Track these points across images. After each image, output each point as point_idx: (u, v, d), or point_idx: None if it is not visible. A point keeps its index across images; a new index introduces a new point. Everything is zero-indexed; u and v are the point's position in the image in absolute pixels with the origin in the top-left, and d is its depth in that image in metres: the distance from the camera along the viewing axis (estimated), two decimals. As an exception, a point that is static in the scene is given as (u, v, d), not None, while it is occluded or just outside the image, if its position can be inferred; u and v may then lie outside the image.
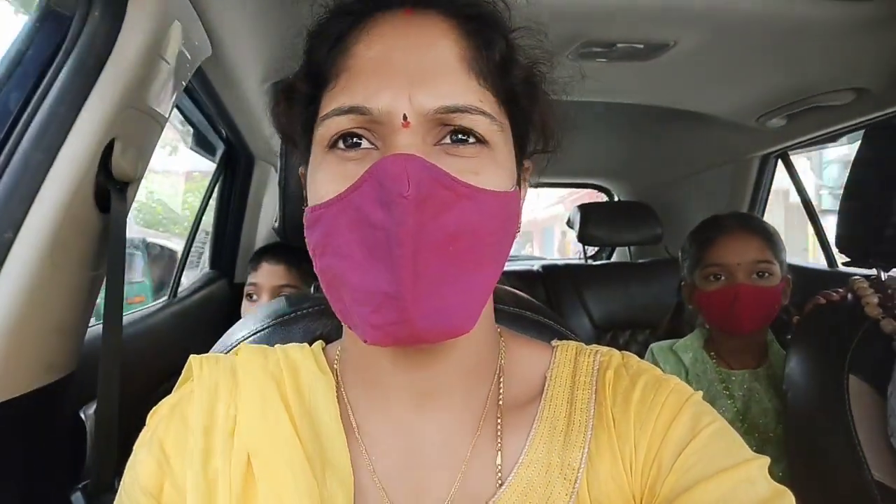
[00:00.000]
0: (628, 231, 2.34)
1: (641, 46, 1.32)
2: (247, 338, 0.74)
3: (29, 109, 0.72)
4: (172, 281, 1.72)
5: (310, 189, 0.49)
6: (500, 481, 0.50)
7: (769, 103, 1.70)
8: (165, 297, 1.70)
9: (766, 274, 1.31)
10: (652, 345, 1.53)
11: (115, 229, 0.82)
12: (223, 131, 1.67)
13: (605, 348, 0.58)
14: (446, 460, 0.52)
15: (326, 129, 0.46)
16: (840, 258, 1.51)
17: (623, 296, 2.23)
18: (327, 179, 0.46)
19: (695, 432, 0.48)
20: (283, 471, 0.49)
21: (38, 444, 0.82)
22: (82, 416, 1.02)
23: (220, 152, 1.81)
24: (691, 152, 2.35)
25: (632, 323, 2.21)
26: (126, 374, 0.89)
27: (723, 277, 1.33)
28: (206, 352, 0.59)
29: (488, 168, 0.47)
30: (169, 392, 0.55)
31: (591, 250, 2.83)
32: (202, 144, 1.71)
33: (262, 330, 0.76)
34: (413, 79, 0.45)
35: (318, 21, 0.52)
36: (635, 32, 1.27)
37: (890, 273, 1.15)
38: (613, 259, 3.08)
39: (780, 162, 2.16)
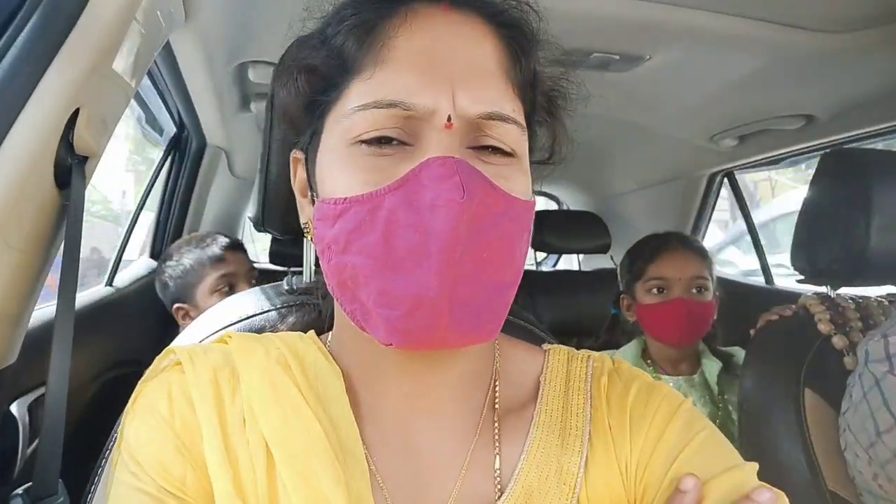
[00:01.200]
0: (578, 239, 2.38)
1: (618, 56, 1.34)
2: (230, 325, 0.70)
3: (-15, 67, 0.64)
4: (110, 269, 1.60)
5: (324, 180, 0.47)
6: (499, 487, 0.50)
7: (724, 123, 1.78)
8: (102, 284, 1.58)
9: (703, 289, 1.42)
10: (598, 353, 1.57)
11: (73, 208, 0.74)
12: (175, 112, 1.57)
13: (595, 354, 0.59)
14: (445, 464, 0.51)
15: (356, 122, 0.45)
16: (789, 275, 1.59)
17: (571, 303, 2.27)
18: (354, 173, 0.44)
19: (687, 439, 0.50)
20: (308, 459, 0.47)
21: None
22: (14, 411, 0.93)
23: (167, 134, 1.70)
24: (642, 166, 2.43)
25: (579, 330, 2.25)
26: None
27: (663, 291, 1.42)
28: (153, 343, 0.54)
29: (516, 176, 0.47)
30: (113, 386, 0.51)
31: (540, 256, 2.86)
32: (150, 123, 1.60)
33: (243, 320, 0.72)
34: (456, 79, 0.44)
35: (348, 2, 0.49)
36: (614, 43, 1.29)
37: (838, 291, 1.21)
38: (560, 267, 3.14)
39: (726, 180, 2.25)
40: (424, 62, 0.44)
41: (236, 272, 1.46)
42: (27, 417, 0.93)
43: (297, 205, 0.56)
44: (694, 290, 1.41)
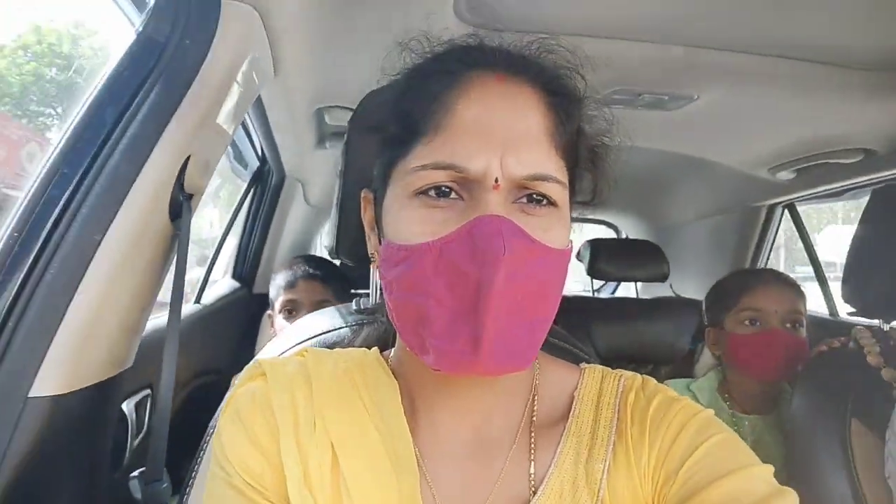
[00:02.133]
0: (636, 268, 2.40)
1: (666, 97, 1.40)
2: (303, 342, 0.80)
3: (121, 125, 0.78)
4: (198, 288, 1.78)
5: (391, 225, 0.54)
6: (533, 488, 0.56)
7: (780, 156, 1.79)
8: (191, 303, 1.75)
9: (798, 325, 1.37)
10: (669, 381, 1.58)
11: (182, 237, 0.88)
12: (259, 148, 1.74)
13: (628, 373, 0.63)
14: (486, 469, 0.57)
15: (418, 179, 0.51)
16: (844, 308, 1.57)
17: (628, 331, 2.27)
18: (414, 222, 0.51)
19: (700, 441, 0.53)
20: (367, 461, 0.54)
21: (95, 434, 0.87)
22: (125, 409, 1.08)
23: (251, 167, 1.88)
24: (700, 197, 2.43)
25: (635, 357, 2.26)
26: (158, 373, 0.94)
27: (758, 323, 1.38)
28: (232, 356, 0.63)
29: (556, 226, 0.52)
30: (198, 392, 0.60)
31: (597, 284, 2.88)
32: (237, 159, 1.79)
33: (318, 336, 0.82)
34: (506, 145, 0.50)
35: (415, 69, 0.58)
36: (661, 85, 1.35)
37: (892, 325, 1.22)
38: (619, 294, 3.14)
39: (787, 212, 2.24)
40: (478, 130, 0.50)
41: (299, 300, 1.58)
42: (134, 415, 1.08)
43: (366, 236, 0.63)
44: (788, 325, 1.37)
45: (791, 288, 1.41)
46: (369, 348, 0.65)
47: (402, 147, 0.54)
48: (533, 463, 0.57)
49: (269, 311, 1.70)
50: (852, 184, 1.83)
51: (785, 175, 1.89)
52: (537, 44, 0.58)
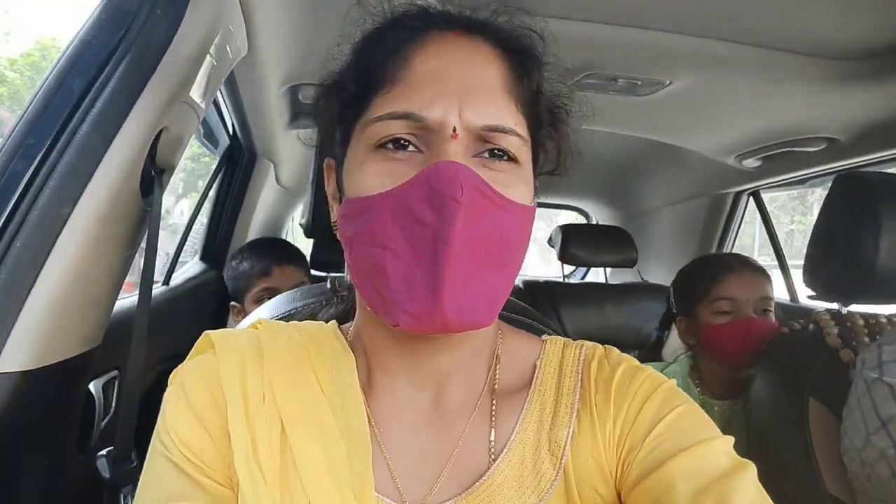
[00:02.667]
0: (605, 253, 2.44)
1: (639, 82, 1.42)
2: (282, 316, 0.80)
3: (90, 96, 0.76)
4: (167, 269, 1.74)
5: (349, 182, 0.53)
6: (493, 455, 0.55)
7: (747, 144, 1.83)
8: (159, 284, 1.72)
9: (768, 310, 1.40)
10: (585, 342, 1.59)
11: (154, 213, 0.86)
12: (230, 127, 1.71)
13: (589, 343, 0.63)
14: (445, 435, 0.57)
15: (377, 131, 0.50)
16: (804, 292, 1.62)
17: (597, 315, 2.32)
18: (373, 175, 0.50)
19: (665, 412, 0.53)
20: (316, 436, 0.53)
21: (61, 413, 0.86)
22: (92, 389, 1.06)
23: (222, 147, 1.85)
24: (669, 183, 2.48)
25: (603, 341, 2.30)
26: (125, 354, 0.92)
27: (730, 312, 1.40)
28: (197, 338, 0.62)
29: (517, 183, 0.52)
30: (166, 375, 0.58)
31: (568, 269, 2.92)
32: (207, 136, 1.75)
33: (290, 311, 0.82)
34: (463, 95, 0.50)
35: (374, 29, 0.56)
36: (635, 69, 1.37)
37: (850, 308, 1.27)
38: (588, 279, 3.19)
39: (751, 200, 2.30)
40: (435, 81, 0.50)
41: (278, 287, 1.55)
42: (102, 396, 1.06)
43: (329, 207, 0.61)
44: (760, 311, 1.39)
45: (759, 274, 1.44)
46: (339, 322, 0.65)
47: (361, 103, 0.53)
48: (493, 430, 0.56)
49: (232, 303, 1.65)
50: (815, 172, 1.89)
51: (751, 163, 1.94)
52: (496, 4, 0.57)
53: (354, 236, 0.52)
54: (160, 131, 0.84)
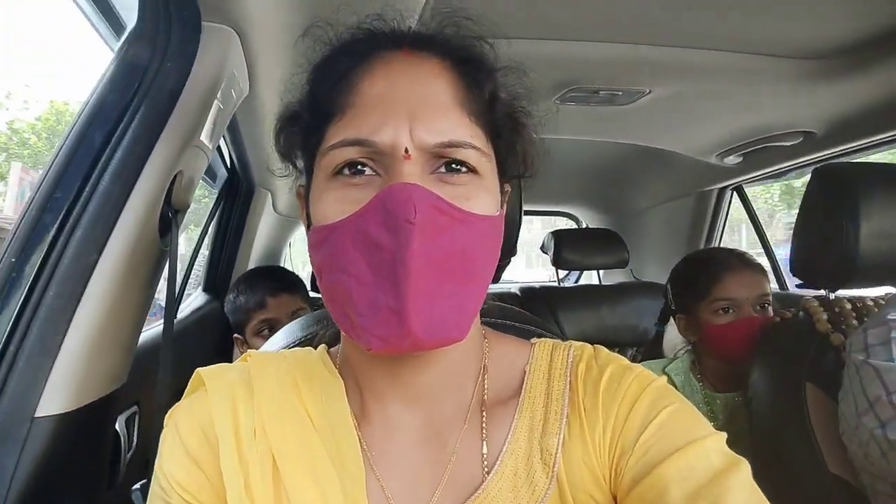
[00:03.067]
0: (598, 255, 2.49)
1: (620, 93, 1.48)
2: (290, 345, 0.83)
3: (109, 147, 0.80)
4: (175, 302, 1.77)
5: (314, 211, 0.53)
6: (486, 469, 0.55)
7: (727, 142, 1.89)
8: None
9: (767, 306, 1.44)
10: (644, 363, 1.64)
11: (172, 252, 0.90)
12: (229, 161, 1.75)
13: (577, 343, 0.63)
14: (437, 452, 0.56)
15: (332, 159, 0.51)
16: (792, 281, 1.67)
17: (593, 316, 2.36)
18: (333, 202, 0.50)
19: (655, 413, 0.53)
20: (308, 470, 0.53)
21: (94, 451, 0.89)
22: (116, 426, 1.09)
23: (220, 180, 1.89)
24: (655, 185, 2.54)
25: (602, 341, 2.33)
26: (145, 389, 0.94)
27: (731, 310, 1.43)
28: None
29: (479, 194, 0.52)
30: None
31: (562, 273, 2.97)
32: (206, 172, 1.79)
33: (300, 340, 0.85)
34: (413, 115, 0.49)
35: (322, 57, 0.57)
36: (616, 81, 1.43)
37: (837, 293, 1.32)
38: (582, 282, 3.24)
39: (735, 194, 2.36)
40: (383, 103, 0.50)
41: (276, 317, 1.57)
42: (125, 431, 1.10)
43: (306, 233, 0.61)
44: (759, 307, 1.42)
45: (757, 270, 1.47)
46: (328, 345, 0.65)
47: (317, 132, 0.54)
48: (485, 442, 0.56)
49: (236, 336, 1.66)
50: (794, 164, 1.95)
51: (732, 160, 2.00)
52: (441, 17, 0.57)
53: (322, 264, 0.52)
54: (175, 175, 0.88)
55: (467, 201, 0.50)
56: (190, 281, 2.10)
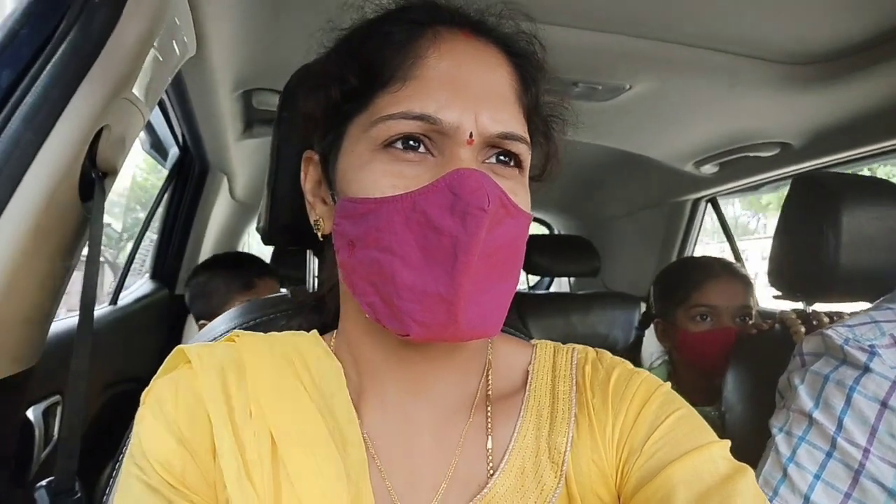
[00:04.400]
0: (570, 263, 2.44)
1: (600, 87, 1.42)
2: (235, 329, 0.74)
3: (21, 88, 0.70)
4: (114, 288, 1.65)
5: (351, 181, 0.50)
6: (491, 466, 0.53)
7: (704, 150, 1.86)
8: (106, 304, 1.62)
9: (747, 318, 1.39)
10: (576, 346, 1.57)
11: (95, 220, 0.80)
12: (180, 136, 1.63)
13: (579, 346, 0.62)
14: (440, 446, 0.54)
15: (386, 129, 0.48)
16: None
17: (563, 324, 2.31)
18: (381, 175, 0.48)
19: (663, 416, 0.53)
20: (310, 450, 0.50)
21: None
22: (30, 416, 0.97)
23: (171, 158, 1.77)
24: (630, 192, 2.50)
25: (570, 351, 2.29)
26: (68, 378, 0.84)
27: (709, 319, 1.38)
28: (153, 362, 0.57)
29: (521, 190, 0.52)
30: (115, 401, 0.53)
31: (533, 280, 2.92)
32: (156, 148, 1.67)
33: (248, 324, 0.76)
34: (479, 100, 0.48)
35: (374, 20, 0.54)
36: (596, 73, 1.37)
37: (813, 307, 1.28)
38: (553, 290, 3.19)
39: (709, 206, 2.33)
40: (452, 82, 0.49)
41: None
42: (42, 423, 0.97)
43: (307, 204, 0.59)
44: (738, 319, 1.38)
45: (740, 281, 1.43)
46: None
47: (362, 98, 0.51)
48: (490, 438, 0.55)
49: (202, 321, 1.55)
50: (768, 177, 1.93)
51: (708, 169, 1.97)
52: (499, 7, 0.56)
53: (358, 239, 0.49)
54: (100, 130, 0.77)
55: (514, 196, 0.49)
56: (138, 268, 1.97)
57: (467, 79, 0.49)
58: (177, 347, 0.56)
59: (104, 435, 0.88)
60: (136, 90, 0.84)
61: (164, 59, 0.89)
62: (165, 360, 0.56)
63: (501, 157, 0.51)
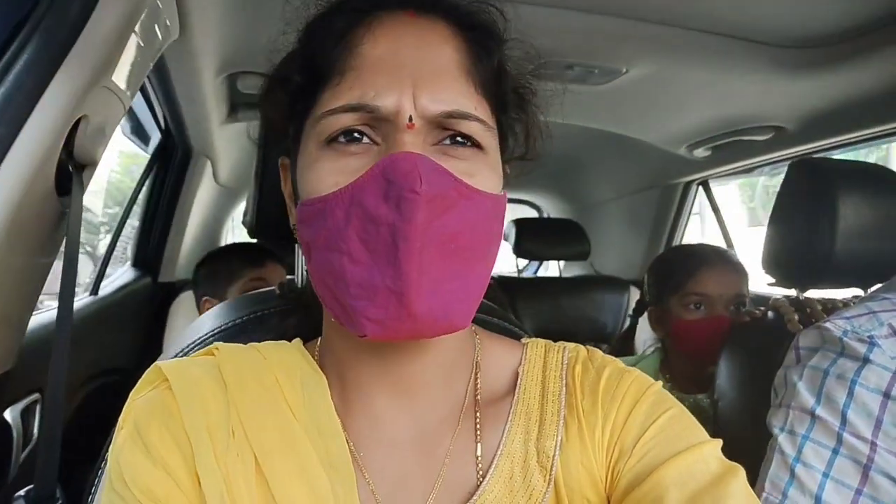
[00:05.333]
0: (559, 246, 2.43)
1: (596, 70, 1.39)
2: (220, 329, 0.71)
3: (-8, 75, 0.65)
4: (95, 277, 1.60)
5: (303, 182, 0.49)
6: (480, 472, 0.52)
7: (698, 133, 1.85)
8: (86, 294, 1.58)
9: (741, 307, 1.38)
10: (568, 344, 1.57)
11: (73, 215, 0.76)
12: (162, 120, 1.58)
13: (571, 344, 0.61)
14: (429, 454, 0.53)
15: (327, 125, 0.47)
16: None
17: (553, 308, 2.31)
18: (327, 173, 0.47)
19: (654, 417, 0.52)
20: (295, 469, 0.49)
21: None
22: (7, 417, 0.93)
23: (154, 142, 1.71)
24: (620, 175, 2.49)
25: (561, 335, 2.29)
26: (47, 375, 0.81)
27: (703, 307, 1.38)
28: (136, 352, 0.54)
29: (482, 171, 0.49)
30: (98, 394, 0.51)
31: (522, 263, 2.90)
32: (137, 132, 1.61)
33: (235, 323, 0.73)
34: (417, 81, 0.46)
35: (319, 14, 0.52)
36: (592, 56, 1.34)
37: (807, 293, 1.27)
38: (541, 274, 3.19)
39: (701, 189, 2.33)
40: (386, 67, 0.47)
41: (268, 280, 1.48)
42: (20, 423, 0.94)
43: (288, 209, 0.58)
44: (732, 308, 1.37)
45: (735, 270, 1.42)
46: (302, 337, 0.60)
47: (311, 97, 0.50)
48: (479, 444, 0.54)
49: (206, 298, 1.55)
50: (762, 160, 1.92)
51: (701, 152, 1.95)
52: None
53: (311, 242, 0.48)
54: (78, 120, 0.73)
55: (471, 178, 0.47)
56: (119, 256, 1.92)
57: (404, 60, 0.47)
58: (154, 365, 0.54)
59: (88, 432, 0.85)
60: (116, 78, 0.79)
61: (146, 45, 0.84)
62: (142, 377, 0.54)
63: (457, 139, 0.48)
